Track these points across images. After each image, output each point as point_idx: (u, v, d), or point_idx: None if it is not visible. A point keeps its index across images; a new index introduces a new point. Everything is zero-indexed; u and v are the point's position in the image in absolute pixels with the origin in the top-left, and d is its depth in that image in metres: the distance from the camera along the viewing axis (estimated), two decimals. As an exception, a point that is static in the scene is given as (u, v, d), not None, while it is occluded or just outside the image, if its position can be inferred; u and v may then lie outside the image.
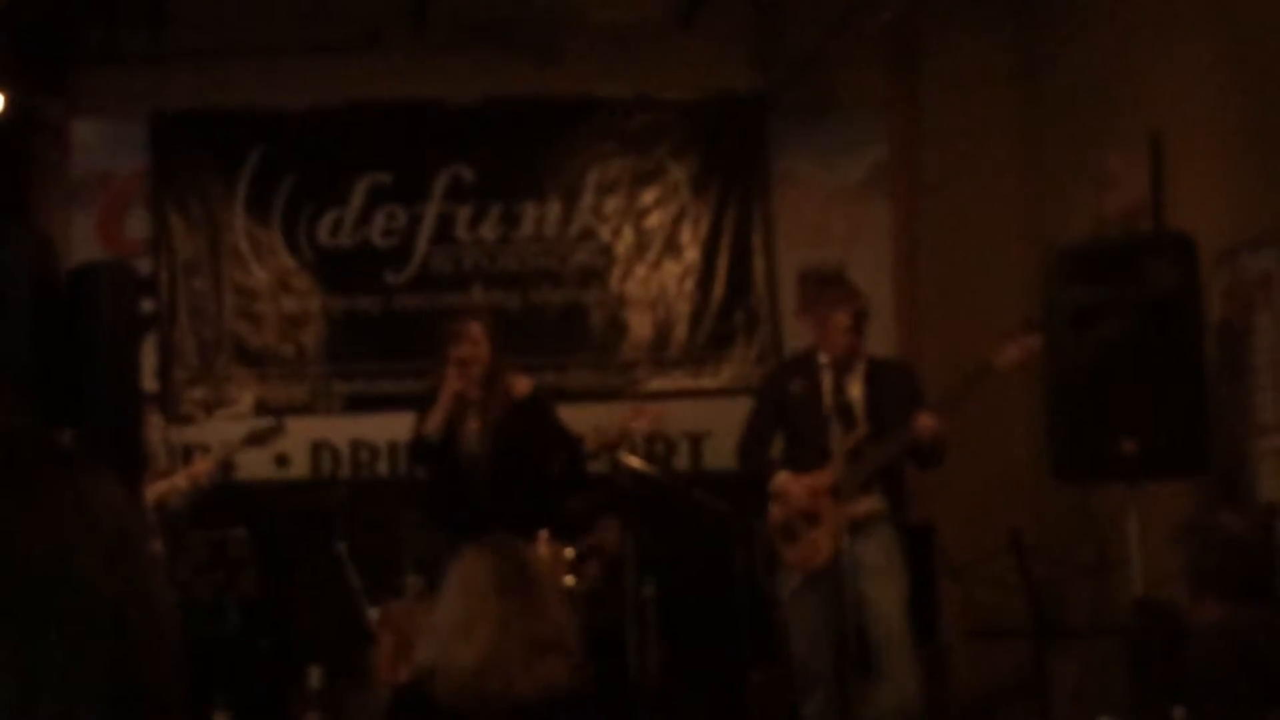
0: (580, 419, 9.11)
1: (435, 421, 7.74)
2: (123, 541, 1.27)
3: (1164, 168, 7.59)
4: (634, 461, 8.32)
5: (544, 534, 7.57)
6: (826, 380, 7.62)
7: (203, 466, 8.35)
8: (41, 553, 1.21)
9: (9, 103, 8.89)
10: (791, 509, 7.58)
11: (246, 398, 9.92)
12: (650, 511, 8.14)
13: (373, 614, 7.72)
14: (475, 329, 7.85)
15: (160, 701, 1.27)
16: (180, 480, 8.27)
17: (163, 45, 9.56)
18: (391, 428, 9.71)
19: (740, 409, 8.89)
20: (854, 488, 7.36)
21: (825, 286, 8.24)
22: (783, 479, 7.67)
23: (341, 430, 9.91)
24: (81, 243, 9.71)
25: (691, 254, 10.01)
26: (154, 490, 8.12)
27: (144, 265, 9.69)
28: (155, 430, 8.56)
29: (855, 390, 7.61)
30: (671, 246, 10.02)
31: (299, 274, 9.99)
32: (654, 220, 10.03)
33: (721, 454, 9.66)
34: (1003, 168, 9.63)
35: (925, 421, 7.27)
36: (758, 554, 7.83)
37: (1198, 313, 6.57)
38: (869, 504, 7.44)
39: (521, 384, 7.87)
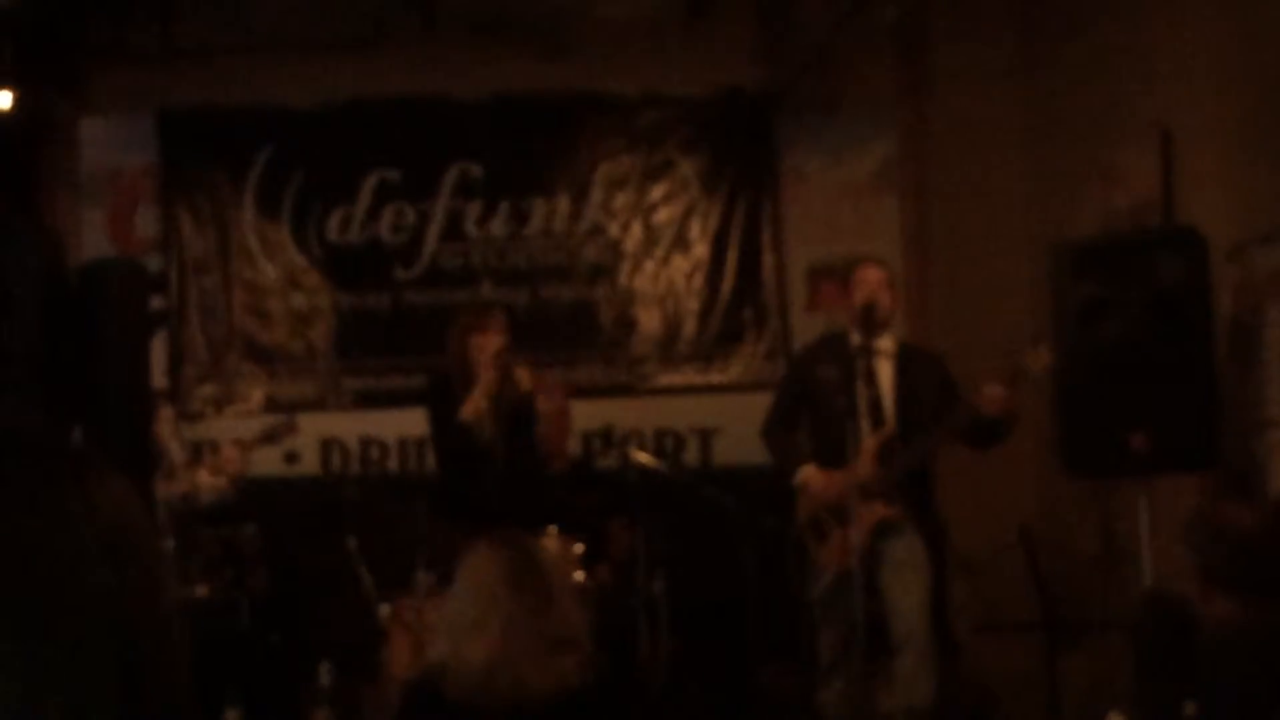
0: (590, 415, 9.14)
1: (473, 407, 7.61)
2: (129, 539, 1.28)
3: (1173, 163, 7.58)
4: (643, 458, 8.32)
5: (553, 529, 7.56)
6: (859, 367, 7.44)
7: (234, 455, 8.33)
8: (48, 550, 1.22)
9: (18, 101, 8.90)
10: (819, 506, 7.50)
11: (256, 394, 9.93)
12: (660, 508, 8.14)
13: (383, 610, 7.72)
14: (499, 321, 7.81)
15: (167, 697, 1.28)
16: (217, 475, 8.25)
17: (171, 43, 9.57)
18: (401, 424, 9.73)
19: (749, 404, 8.89)
20: (884, 488, 7.28)
21: (852, 259, 8.13)
22: (809, 474, 7.55)
23: (351, 426, 9.92)
24: (91, 240, 9.74)
25: (700, 250, 10.01)
26: (186, 483, 8.13)
27: (153, 262, 9.71)
28: (167, 425, 8.56)
29: (885, 378, 7.47)
30: (680, 242, 10.02)
31: (308, 271, 10.01)
32: (663, 216, 10.04)
33: (731, 450, 9.68)
34: (1011, 163, 9.61)
35: (993, 392, 7.05)
36: (788, 551, 7.76)
37: (1207, 307, 6.55)
38: (896, 509, 7.35)
39: (527, 379, 7.82)
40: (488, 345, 7.62)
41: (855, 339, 7.48)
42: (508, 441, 7.72)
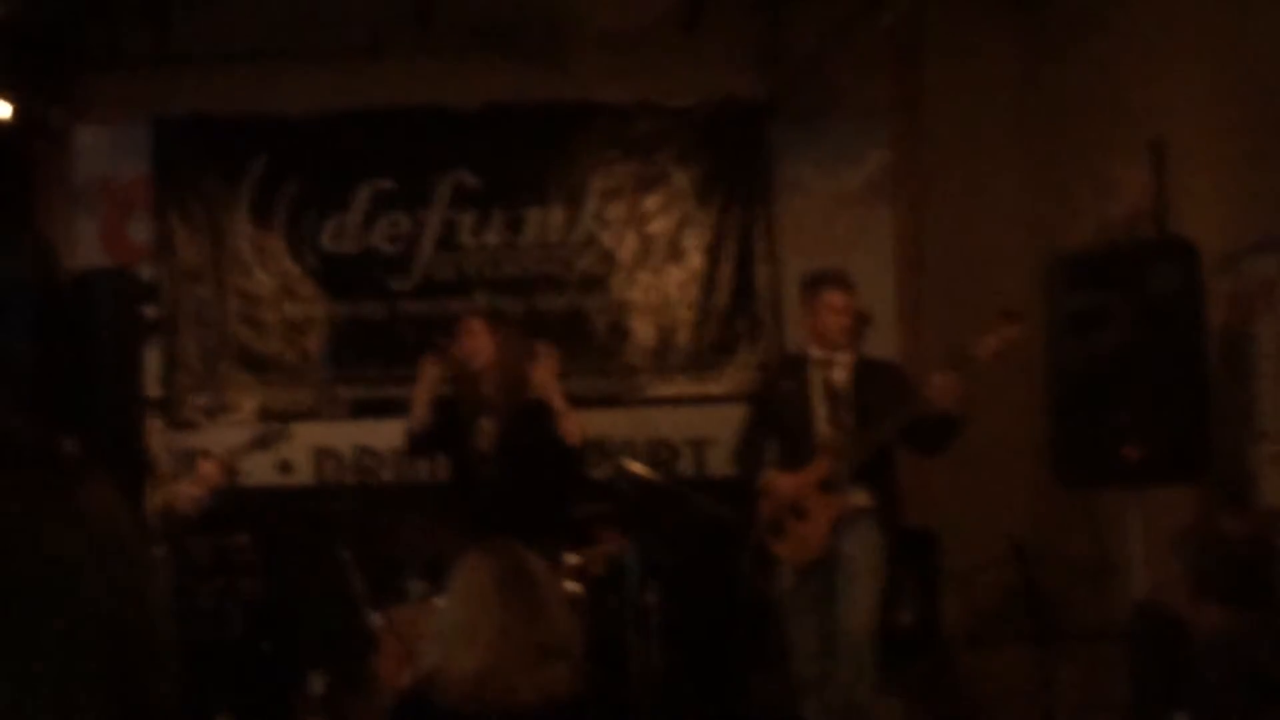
0: (583, 425, 9.11)
1: (417, 415, 7.82)
2: (120, 548, 1.28)
3: (1166, 174, 7.59)
4: (637, 468, 8.32)
5: (572, 557, 7.60)
6: (815, 376, 7.60)
7: (211, 469, 8.32)
8: (39, 559, 1.22)
9: (13, 109, 8.90)
10: (779, 504, 7.58)
11: (249, 404, 9.92)
12: (653, 518, 8.13)
13: (376, 619, 7.72)
14: (474, 324, 7.87)
15: (156, 705, 1.28)
16: (194, 488, 8.23)
17: (166, 51, 9.58)
18: (395, 434, 9.70)
19: (743, 416, 8.88)
20: (844, 480, 7.35)
21: (819, 277, 8.16)
22: (770, 476, 7.67)
23: (345, 436, 9.91)
24: (85, 248, 9.73)
25: (694, 260, 10.01)
26: (165, 495, 8.11)
27: (147, 271, 9.71)
28: (156, 435, 8.55)
29: (842, 382, 7.56)
30: (674, 252, 10.02)
31: (302, 280, 10.00)
32: (657, 226, 10.04)
33: (724, 460, 9.65)
34: (1006, 173, 9.62)
35: (941, 381, 7.08)
36: (746, 552, 7.82)
37: (1200, 318, 6.56)
38: (858, 498, 7.42)
39: (545, 368, 7.85)
40: (468, 350, 7.74)
41: (815, 353, 7.60)
42: (506, 450, 7.72)
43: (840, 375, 7.58)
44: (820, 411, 7.49)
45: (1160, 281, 6.56)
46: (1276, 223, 6.57)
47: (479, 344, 7.80)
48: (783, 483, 7.59)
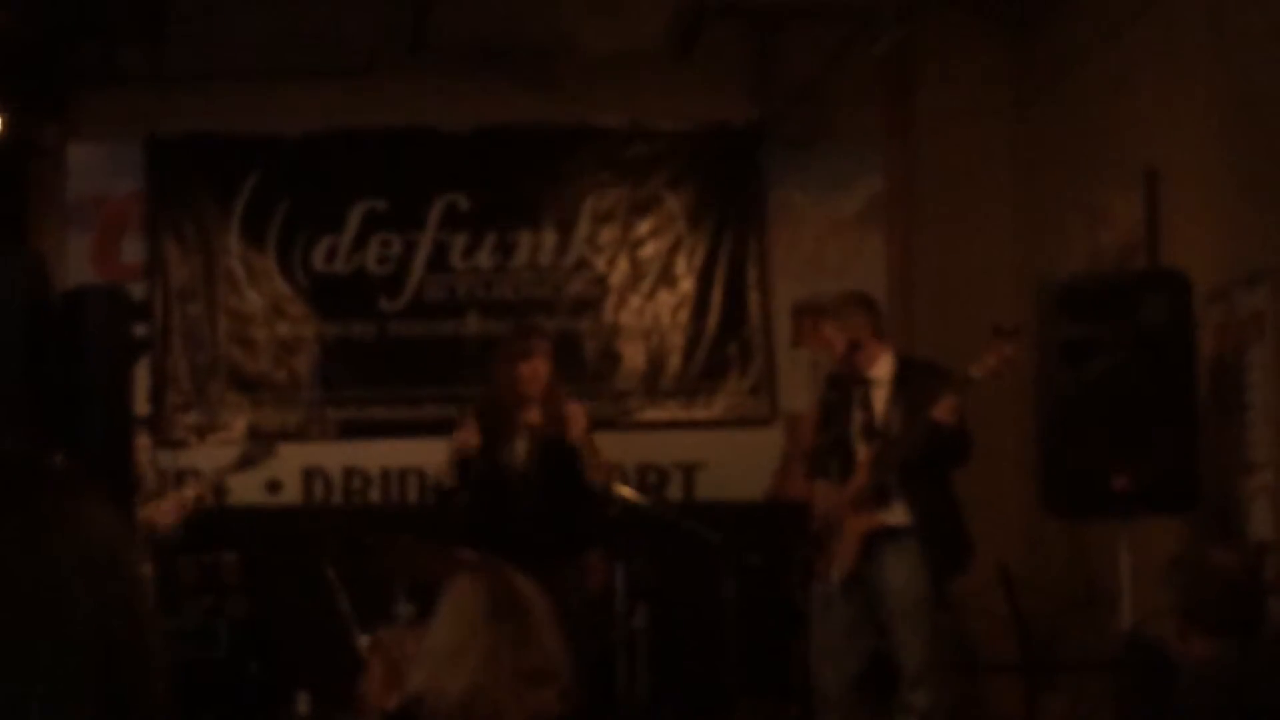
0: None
1: (450, 474, 7.79)
2: (112, 564, 1.27)
3: (1158, 204, 7.60)
4: (626, 491, 8.32)
5: None
6: (857, 391, 7.51)
7: (192, 494, 8.30)
8: (31, 574, 1.21)
9: (6, 125, 8.90)
10: (818, 518, 7.52)
11: (239, 423, 9.90)
12: (642, 542, 8.13)
13: (363, 640, 7.70)
14: (543, 347, 7.84)
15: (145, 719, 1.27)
16: (169, 508, 8.20)
17: (160, 70, 9.58)
18: (384, 454, 9.73)
19: (733, 440, 8.92)
20: (868, 498, 7.27)
21: (820, 312, 8.12)
22: (816, 488, 7.60)
23: (334, 456, 9.90)
24: (76, 266, 9.71)
25: (686, 284, 10.00)
26: (145, 514, 8.08)
27: (138, 289, 9.68)
28: (144, 453, 8.53)
29: (880, 399, 7.47)
30: (666, 277, 10.01)
31: (293, 300, 9.99)
32: (649, 250, 10.03)
33: (714, 485, 9.67)
34: (998, 202, 9.64)
35: (945, 406, 7.02)
36: (794, 567, 7.78)
37: (1190, 349, 6.58)
38: (885, 516, 7.31)
39: (579, 421, 7.83)
40: (535, 372, 7.68)
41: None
42: (542, 472, 7.71)
43: (880, 394, 7.48)
44: (859, 430, 7.44)
45: (1151, 312, 6.57)
46: (1267, 254, 6.59)
47: (543, 370, 7.76)
48: (822, 497, 7.54)
